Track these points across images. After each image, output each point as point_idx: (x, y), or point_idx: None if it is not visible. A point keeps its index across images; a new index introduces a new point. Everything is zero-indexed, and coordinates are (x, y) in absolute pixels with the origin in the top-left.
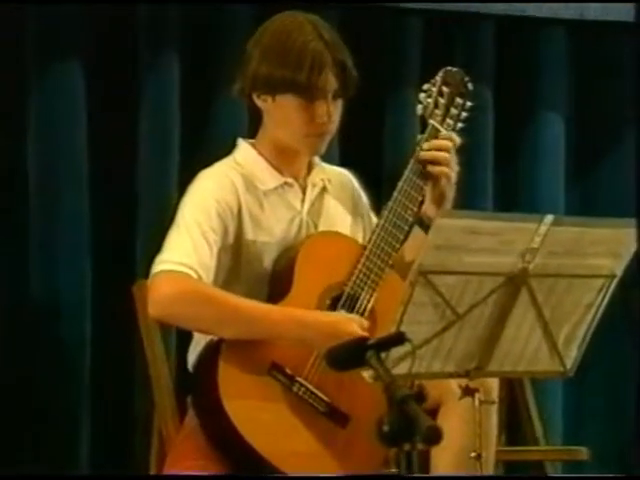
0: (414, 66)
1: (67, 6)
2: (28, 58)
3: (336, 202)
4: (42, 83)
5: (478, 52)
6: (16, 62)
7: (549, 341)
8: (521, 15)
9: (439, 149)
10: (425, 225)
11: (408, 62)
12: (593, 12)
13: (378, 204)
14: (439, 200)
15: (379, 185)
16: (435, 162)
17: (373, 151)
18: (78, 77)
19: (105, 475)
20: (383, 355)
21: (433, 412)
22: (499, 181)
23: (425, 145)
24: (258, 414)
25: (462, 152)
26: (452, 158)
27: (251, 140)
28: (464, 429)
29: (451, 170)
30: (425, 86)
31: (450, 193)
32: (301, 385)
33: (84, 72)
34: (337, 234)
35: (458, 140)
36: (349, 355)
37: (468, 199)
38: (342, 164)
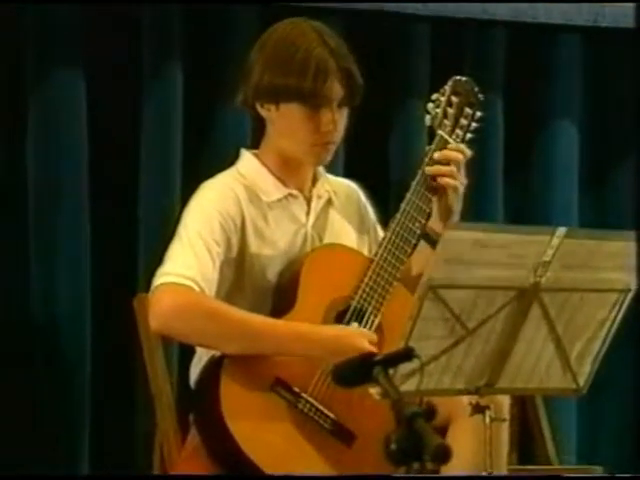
0: (421, 74)
1: (68, 13)
2: (29, 65)
3: (341, 215)
4: (42, 92)
5: (488, 60)
6: (16, 69)
7: (562, 357)
8: (532, 22)
9: (447, 161)
10: (431, 240)
11: (415, 70)
12: (608, 18)
13: (384, 216)
14: (446, 214)
15: (385, 197)
16: (442, 175)
17: (379, 162)
18: (79, 86)
19: (105, 475)
20: (391, 371)
21: (442, 430)
22: (510, 192)
23: (434, 156)
24: (262, 432)
25: (472, 162)
26: (460, 171)
27: (254, 150)
28: (474, 447)
29: (459, 183)
30: (434, 96)
31: (457, 207)
32: (306, 402)
33: (85, 81)
34: (342, 247)
35: (468, 153)
36: (356, 371)
37: (478, 211)
38: (347, 175)
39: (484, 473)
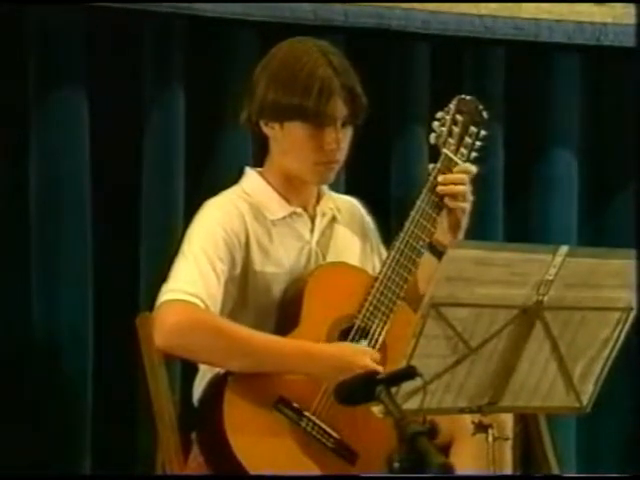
0: (422, 94)
1: (71, 33)
2: (31, 85)
3: (345, 232)
4: (44, 111)
5: (488, 80)
6: (19, 88)
7: (564, 376)
8: (534, 41)
9: (456, 183)
10: (437, 252)
11: (416, 90)
12: (610, 37)
13: (385, 234)
14: (454, 228)
15: (386, 215)
16: (453, 196)
17: (380, 181)
18: (82, 105)
19: (105, 475)
20: (394, 390)
21: (445, 448)
22: (510, 216)
23: (441, 178)
24: (265, 450)
25: (473, 183)
26: (468, 189)
27: (259, 169)
28: (477, 466)
29: (468, 202)
30: (439, 114)
31: (465, 222)
32: (309, 420)
33: (88, 100)
34: (346, 265)
35: (474, 170)
36: (358, 390)
37: (478, 234)
38: (348, 192)
39: None
